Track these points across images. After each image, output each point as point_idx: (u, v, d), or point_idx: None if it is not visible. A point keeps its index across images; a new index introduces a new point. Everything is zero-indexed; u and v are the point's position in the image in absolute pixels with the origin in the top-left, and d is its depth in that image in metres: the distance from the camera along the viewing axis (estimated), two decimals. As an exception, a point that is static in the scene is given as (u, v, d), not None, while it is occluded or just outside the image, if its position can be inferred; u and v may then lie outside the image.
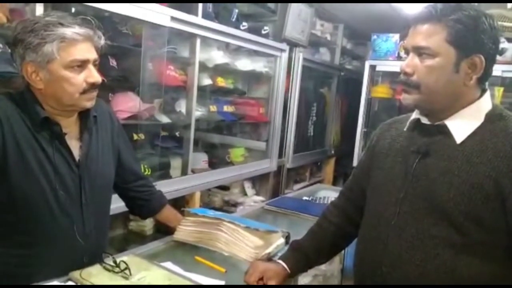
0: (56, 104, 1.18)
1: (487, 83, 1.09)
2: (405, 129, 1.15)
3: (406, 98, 1.07)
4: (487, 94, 1.06)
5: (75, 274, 1.16)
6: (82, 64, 1.15)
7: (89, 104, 1.21)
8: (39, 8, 1.59)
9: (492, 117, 1.03)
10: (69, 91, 1.15)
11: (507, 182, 0.95)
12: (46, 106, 1.18)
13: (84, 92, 1.17)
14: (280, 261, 1.31)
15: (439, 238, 1.01)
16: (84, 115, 1.26)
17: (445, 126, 1.04)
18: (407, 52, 1.07)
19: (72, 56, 1.13)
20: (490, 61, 1.02)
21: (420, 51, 1.02)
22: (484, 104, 1.05)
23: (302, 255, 1.32)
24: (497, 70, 2.93)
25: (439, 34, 0.99)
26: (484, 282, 0.99)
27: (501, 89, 3.07)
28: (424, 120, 1.10)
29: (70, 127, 1.24)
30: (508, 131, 0.99)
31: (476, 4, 1.02)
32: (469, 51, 0.99)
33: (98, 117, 1.30)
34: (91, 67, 1.17)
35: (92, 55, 1.17)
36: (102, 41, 1.21)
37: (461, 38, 0.98)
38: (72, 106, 1.20)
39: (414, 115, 1.13)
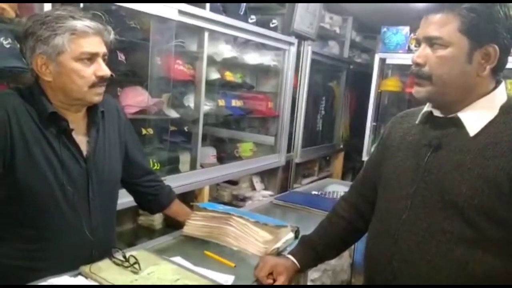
0: (65, 98, 1.19)
1: (501, 75, 1.06)
2: (417, 122, 1.13)
3: (419, 91, 1.04)
4: (502, 86, 1.04)
5: (85, 268, 1.16)
6: (91, 57, 1.16)
7: (97, 98, 1.21)
8: (47, 4, 1.58)
9: (507, 109, 1.00)
10: (78, 83, 1.15)
11: None
12: (54, 101, 1.18)
13: (93, 85, 1.17)
14: (290, 256, 1.30)
15: (451, 233, 0.99)
16: (92, 110, 1.26)
17: (458, 119, 1.02)
18: (418, 43, 1.04)
19: (82, 48, 1.14)
20: (505, 51, 0.99)
21: (432, 42, 0.99)
22: (499, 96, 1.02)
23: (311, 250, 1.31)
24: (509, 62, 2.86)
25: (452, 24, 0.96)
26: (497, 278, 0.97)
27: (514, 81, 3.02)
28: (437, 113, 1.08)
29: (77, 122, 1.24)
30: None
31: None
32: (482, 41, 0.97)
33: (105, 112, 1.31)
34: (100, 60, 1.18)
35: (102, 48, 1.18)
36: (112, 36, 1.22)
37: (474, 27, 0.96)
38: (80, 100, 1.20)
39: (427, 107, 1.11)
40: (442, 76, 1.00)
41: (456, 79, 1.00)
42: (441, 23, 0.98)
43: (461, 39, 0.97)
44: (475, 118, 1.01)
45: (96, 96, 1.20)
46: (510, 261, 0.97)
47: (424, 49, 1.01)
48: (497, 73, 1.03)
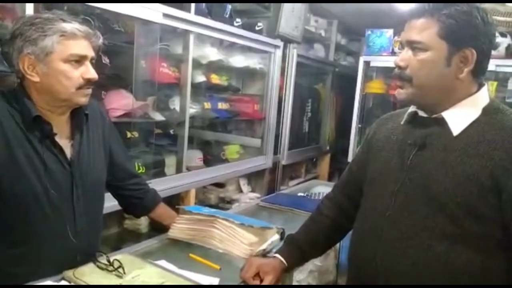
0: (51, 99, 1.18)
1: (483, 78, 1.09)
2: (402, 122, 1.16)
3: (401, 93, 1.08)
4: (485, 89, 1.07)
5: (69, 273, 1.15)
6: (80, 60, 1.17)
7: (84, 100, 1.21)
8: (29, 6, 1.57)
9: (489, 111, 1.03)
10: (65, 84, 1.16)
11: (502, 174, 0.95)
12: (39, 103, 1.18)
13: (80, 87, 1.18)
14: (277, 255, 1.32)
15: (433, 230, 1.01)
16: (76, 113, 1.26)
17: (442, 118, 1.05)
18: (402, 47, 1.08)
19: (70, 50, 1.14)
20: (484, 55, 1.03)
21: (413, 45, 1.03)
22: (481, 98, 1.05)
23: (297, 249, 1.33)
24: (491, 64, 2.89)
25: (431, 29, 1.00)
26: (476, 274, 0.99)
27: (495, 83, 3.08)
28: (421, 113, 1.11)
29: (61, 126, 1.23)
30: (505, 124, 1.00)
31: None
32: (460, 45, 1.00)
33: (89, 115, 1.30)
34: (88, 63, 1.19)
35: (90, 52, 1.20)
36: (100, 41, 1.23)
37: (452, 32, 0.99)
38: (66, 102, 1.20)
39: (411, 108, 1.14)
40: (422, 79, 1.03)
41: (435, 82, 1.03)
42: (422, 28, 1.01)
43: (440, 43, 1.00)
44: (458, 118, 1.04)
45: (83, 97, 1.20)
46: (490, 257, 0.99)
47: (406, 53, 1.05)
48: (479, 76, 1.06)
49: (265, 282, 1.24)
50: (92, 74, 1.19)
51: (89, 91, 1.21)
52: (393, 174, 1.10)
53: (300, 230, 1.37)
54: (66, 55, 1.14)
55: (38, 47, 1.12)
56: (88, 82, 1.19)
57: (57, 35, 1.12)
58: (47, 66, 1.14)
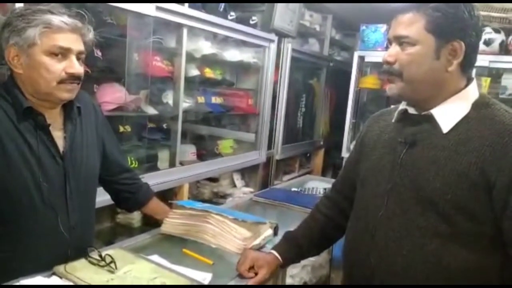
0: (34, 92, 1.16)
1: (473, 73, 1.09)
2: (393, 120, 1.15)
3: (391, 88, 1.08)
4: (474, 83, 1.06)
5: (60, 268, 1.13)
6: (64, 53, 1.14)
7: (66, 95, 1.18)
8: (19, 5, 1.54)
9: (478, 106, 1.03)
10: (46, 77, 1.13)
11: (493, 171, 0.95)
12: (29, 96, 1.16)
13: (62, 81, 1.15)
14: (273, 251, 1.31)
15: (426, 228, 1.01)
16: (67, 106, 1.24)
17: (431, 116, 1.05)
18: (390, 43, 1.08)
19: (53, 42, 1.12)
20: (472, 49, 1.03)
21: (400, 40, 1.03)
22: (471, 93, 1.05)
23: (295, 246, 1.33)
24: (485, 60, 2.95)
25: (418, 23, 1.01)
26: (471, 272, 0.99)
27: (488, 79, 3.09)
28: (412, 110, 1.10)
29: (53, 118, 1.22)
30: (495, 119, 0.99)
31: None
32: (448, 38, 1.00)
33: (82, 109, 1.29)
34: (73, 58, 1.16)
35: (77, 46, 1.16)
36: (91, 35, 1.20)
37: (439, 25, 0.99)
38: (49, 96, 1.17)
39: (402, 105, 1.13)
40: (411, 72, 1.03)
41: (425, 75, 1.03)
42: (409, 23, 1.02)
43: (427, 37, 1.00)
44: (448, 114, 1.03)
45: (66, 92, 1.17)
46: (483, 254, 0.99)
47: (394, 48, 1.05)
48: (467, 70, 1.06)
49: (259, 276, 1.24)
50: (76, 68, 1.15)
51: (73, 86, 1.17)
52: (385, 173, 1.10)
53: (299, 227, 1.37)
54: (48, 47, 1.12)
55: (22, 37, 1.10)
56: (71, 77, 1.15)
57: (41, 27, 1.10)
58: (30, 57, 1.12)
